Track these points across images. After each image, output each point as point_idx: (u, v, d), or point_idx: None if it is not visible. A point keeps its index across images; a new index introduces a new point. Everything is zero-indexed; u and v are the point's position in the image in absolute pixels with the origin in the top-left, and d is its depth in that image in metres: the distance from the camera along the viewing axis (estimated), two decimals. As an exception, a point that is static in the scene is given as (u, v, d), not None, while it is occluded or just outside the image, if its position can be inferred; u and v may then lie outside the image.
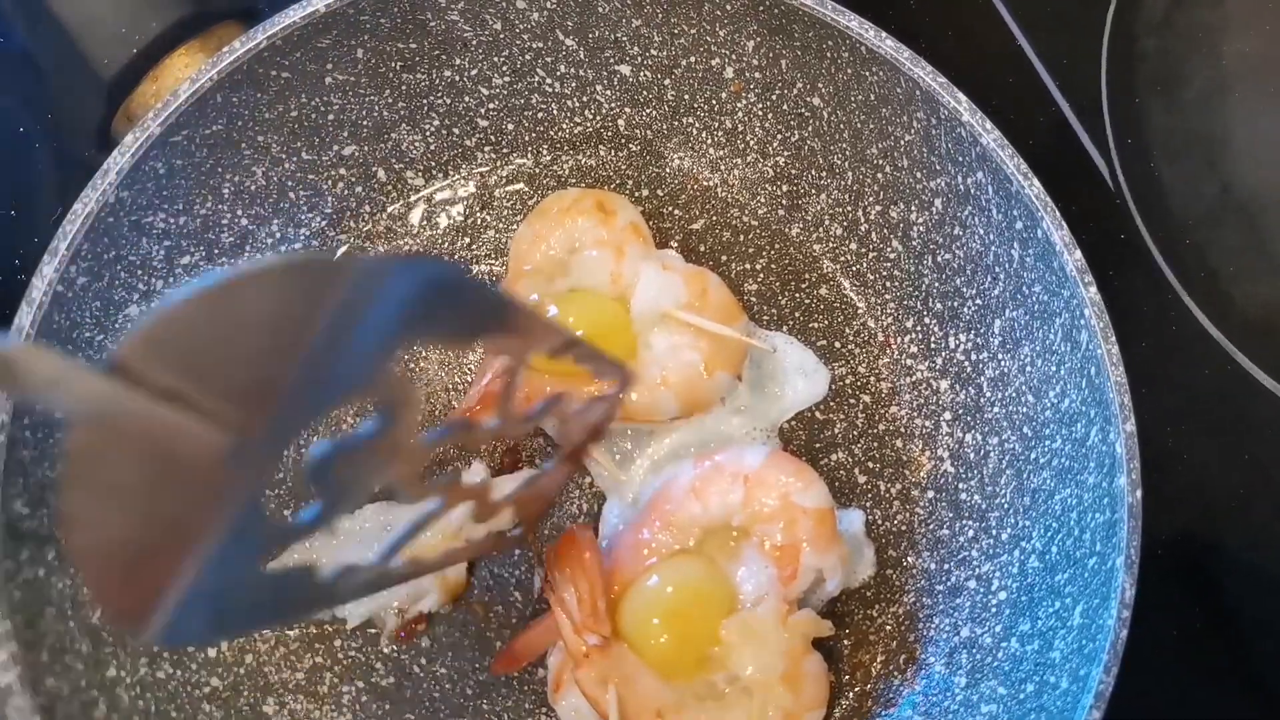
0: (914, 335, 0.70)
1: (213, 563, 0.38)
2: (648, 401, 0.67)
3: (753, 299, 0.71)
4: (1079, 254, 0.60)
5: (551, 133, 0.73)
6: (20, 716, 0.54)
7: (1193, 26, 0.78)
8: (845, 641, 0.66)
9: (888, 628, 0.66)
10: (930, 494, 0.68)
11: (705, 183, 0.73)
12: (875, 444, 0.69)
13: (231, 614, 0.43)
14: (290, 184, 0.69)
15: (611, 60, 0.70)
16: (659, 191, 0.73)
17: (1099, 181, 0.78)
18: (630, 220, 0.69)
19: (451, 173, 0.73)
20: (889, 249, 0.70)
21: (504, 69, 0.70)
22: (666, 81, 0.71)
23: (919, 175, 0.67)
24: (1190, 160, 0.77)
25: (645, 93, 0.72)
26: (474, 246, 0.73)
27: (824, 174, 0.71)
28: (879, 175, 0.69)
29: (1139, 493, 0.57)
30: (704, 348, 0.67)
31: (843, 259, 0.72)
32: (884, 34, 0.63)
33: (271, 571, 0.47)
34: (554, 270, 0.69)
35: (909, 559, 0.67)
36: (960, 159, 0.64)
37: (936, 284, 0.68)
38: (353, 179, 0.71)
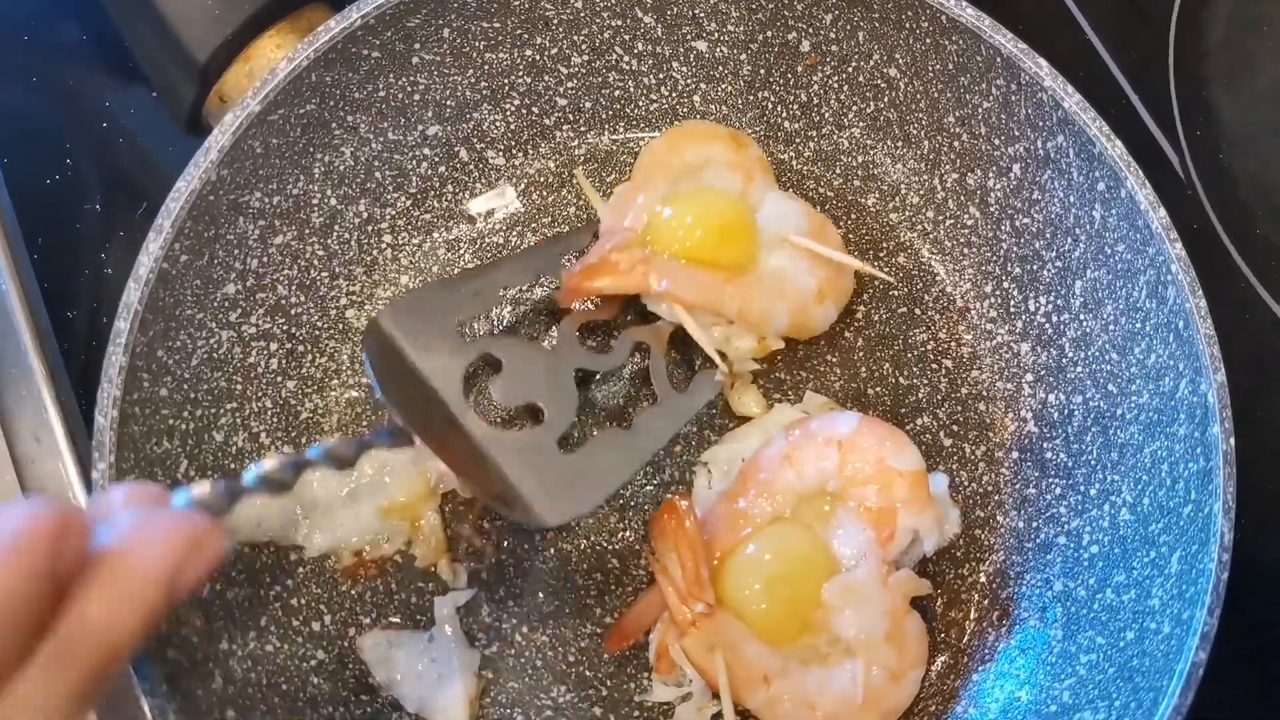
0: (993, 300, 0.71)
1: None
2: (761, 309, 0.66)
3: (831, 269, 0.72)
4: (1163, 212, 0.61)
5: (629, 110, 0.74)
6: (148, 685, 0.54)
7: (1259, 18, 0.80)
8: (938, 601, 0.67)
9: (979, 585, 0.67)
10: (1015, 454, 0.69)
11: (780, 156, 0.74)
12: (958, 408, 0.70)
13: None
14: (377, 164, 0.70)
15: (689, 36, 0.71)
16: (734, 166, 0.74)
17: (1170, 173, 0.79)
18: (759, 155, 0.70)
19: (531, 151, 0.74)
20: (966, 215, 0.71)
21: (583, 47, 0.71)
22: (742, 57, 0.72)
23: (996, 142, 0.68)
24: (1260, 152, 0.78)
25: (721, 68, 0.73)
26: (553, 225, 0.74)
27: (900, 144, 0.72)
28: (955, 143, 0.70)
29: (1232, 440, 0.58)
30: (821, 275, 0.68)
31: (920, 227, 0.73)
32: (965, 2, 0.64)
33: None
34: (683, 174, 0.69)
35: (997, 518, 0.69)
36: (1040, 124, 0.65)
37: (1015, 248, 0.70)
38: (436, 159, 0.72)
